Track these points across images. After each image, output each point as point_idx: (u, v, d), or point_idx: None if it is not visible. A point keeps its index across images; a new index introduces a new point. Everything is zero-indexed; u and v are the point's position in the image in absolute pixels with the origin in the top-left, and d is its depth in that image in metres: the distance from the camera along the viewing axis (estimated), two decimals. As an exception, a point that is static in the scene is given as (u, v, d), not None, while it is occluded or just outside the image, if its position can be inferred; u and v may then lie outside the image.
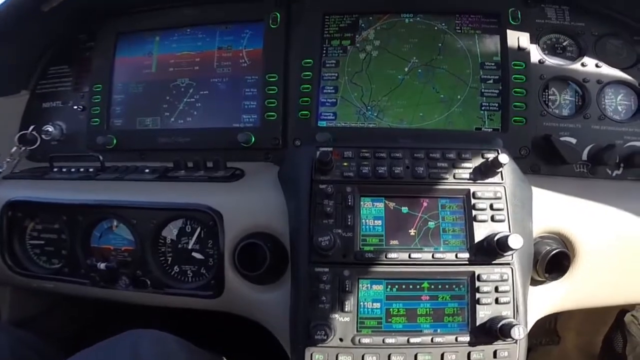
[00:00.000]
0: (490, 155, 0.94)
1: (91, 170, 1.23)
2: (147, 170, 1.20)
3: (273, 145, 1.20)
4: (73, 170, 1.24)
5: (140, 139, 1.30)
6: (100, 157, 1.22)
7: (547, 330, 1.80)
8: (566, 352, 1.80)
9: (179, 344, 0.99)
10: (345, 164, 0.97)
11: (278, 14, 1.25)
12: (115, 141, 1.28)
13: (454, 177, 0.95)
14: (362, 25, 1.22)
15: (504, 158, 0.91)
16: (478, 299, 0.89)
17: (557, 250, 0.95)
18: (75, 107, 1.37)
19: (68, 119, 1.38)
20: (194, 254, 1.10)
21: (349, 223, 0.92)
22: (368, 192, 0.95)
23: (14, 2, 1.18)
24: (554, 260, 0.96)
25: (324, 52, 1.22)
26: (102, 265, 1.10)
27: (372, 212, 0.94)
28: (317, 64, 1.21)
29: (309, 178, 0.96)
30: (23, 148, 1.34)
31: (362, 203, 0.94)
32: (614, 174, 1.12)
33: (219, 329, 1.61)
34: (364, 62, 1.20)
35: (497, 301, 0.89)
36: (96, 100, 1.33)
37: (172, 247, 1.11)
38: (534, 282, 0.99)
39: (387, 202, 0.95)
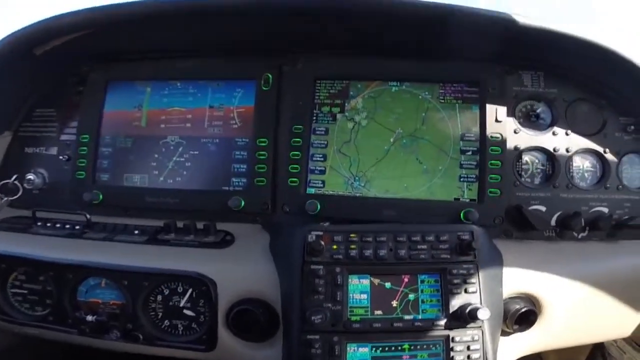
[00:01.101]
0: (466, 238, 1.05)
1: (77, 227, 1.23)
2: (136, 232, 1.21)
3: (262, 210, 1.24)
4: (58, 225, 1.24)
5: (127, 197, 1.30)
6: (88, 216, 1.22)
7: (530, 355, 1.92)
8: None
9: None
10: (334, 247, 1.04)
11: (270, 76, 1.26)
12: (101, 197, 1.28)
13: (432, 257, 1.04)
14: (352, 92, 1.26)
15: (476, 244, 1.02)
16: (452, 357, 0.99)
17: (524, 309, 1.07)
18: (61, 157, 1.36)
19: (51, 168, 1.36)
20: (185, 310, 1.13)
21: (338, 299, 1.01)
22: (355, 271, 1.03)
23: (7, 43, 1.17)
24: (522, 316, 1.07)
25: (314, 118, 1.26)
26: (91, 318, 1.11)
27: (358, 287, 1.03)
28: (307, 130, 1.24)
29: (301, 259, 1.03)
30: (5, 198, 1.32)
31: (349, 280, 1.03)
32: (580, 237, 1.21)
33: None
34: (353, 132, 1.25)
35: (468, 358, 1.00)
36: (82, 152, 1.32)
37: (162, 304, 1.14)
38: (505, 333, 1.10)
39: (372, 278, 1.04)
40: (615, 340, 1.70)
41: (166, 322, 1.14)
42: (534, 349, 1.17)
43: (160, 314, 1.14)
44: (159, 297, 1.14)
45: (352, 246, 1.04)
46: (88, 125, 1.34)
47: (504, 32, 1.10)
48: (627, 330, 1.22)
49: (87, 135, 1.33)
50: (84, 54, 1.35)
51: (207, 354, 1.12)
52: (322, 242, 1.02)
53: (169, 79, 1.34)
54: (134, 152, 1.32)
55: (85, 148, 1.33)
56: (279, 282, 1.07)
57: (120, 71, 1.36)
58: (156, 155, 1.31)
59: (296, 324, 1.01)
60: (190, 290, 1.12)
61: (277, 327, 1.09)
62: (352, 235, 1.05)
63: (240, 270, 1.11)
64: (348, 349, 0.99)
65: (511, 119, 1.23)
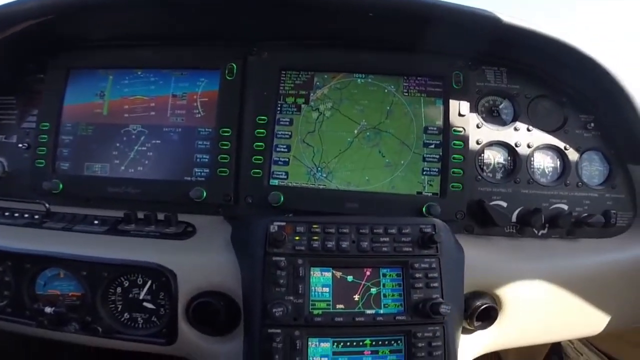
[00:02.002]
0: (428, 231, 1.05)
1: (36, 217, 1.20)
2: (96, 222, 1.19)
3: (224, 201, 1.22)
4: (17, 215, 1.21)
5: (88, 187, 1.28)
6: (47, 205, 1.19)
7: (489, 354, 1.96)
8: None
9: None
10: (297, 238, 1.04)
11: (234, 65, 1.25)
12: (61, 186, 1.25)
13: (395, 250, 1.04)
14: (317, 83, 1.25)
15: (439, 237, 1.03)
16: (414, 352, 1.00)
17: (485, 306, 1.08)
18: (20, 145, 1.32)
19: (10, 156, 1.33)
20: (144, 303, 1.12)
21: (300, 291, 1.00)
22: (317, 263, 1.03)
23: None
24: (483, 312, 1.08)
25: (279, 109, 1.25)
26: (49, 310, 1.09)
27: (320, 281, 1.03)
28: (271, 121, 1.23)
29: (262, 250, 1.03)
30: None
31: (311, 272, 1.03)
32: (539, 234, 1.23)
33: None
34: (317, 122, 1.24)
35: (430, 354, 1.00)
36: (42, 140, 1.29)
37: (122, 296, 1.12)
38: (466, 330, 1.11)
39: (334, 271, 1.04)
40: (571, 342, 1.75)
41: (126, 315, 1.12)
42: (494, 347, 1.19)
43: (120, 306, 1.12)
44: (119, 289, 1.11)
45: (315, 237, 1.04)
46: (49, 113, 1.30)
47: (469, 26, 1.11)
48: (587, 331, 1.24)
49: (47, 123, 1.29)
50: (45, 41, 1.30)
51: (167, 347, 1.11)
52: (284, 233, 1.01)
53: (132, 67, 1.30)
54: (95, 140, 1.29)
55: (45, 136, 1.29)
56: (240, 274, 1.06)
57: (82, 59, 1.33)
58: (118, 144, 1.28)
59: (257, 317, 1.00)
60: (149, 282, 1.10)
61: (238, 320, 1.08)
62: (314, 226, 1.05)
63: (201, 261, 1.09)
64: (309, 343, 0.99)
65: (474, 114, 1.24)
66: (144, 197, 1.24)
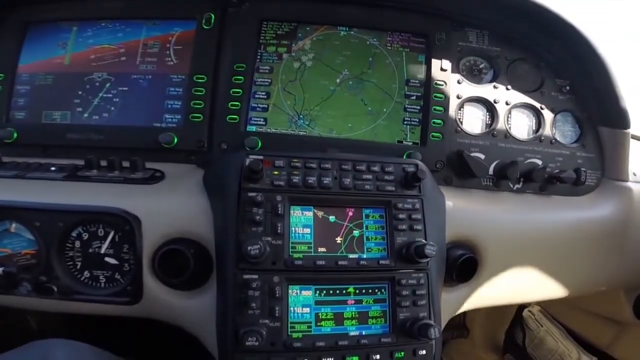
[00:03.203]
0: (411, 170, 1.02)
1: (-15, 166, 1.08)
2: (52, 169, 1.08)
3: (197, 147, 1.14)
4: (-36, 164, 1.08)
5: (45, 134, 1.17)
6: None
7: (458, 325, 2.00)
8: (475, 344, 2.01)
9: (96, 354, 0.91)
10: (275, 172, 0.97)
11: (212, 15, 1.20)
12: (15, 135, 1.14)
13: (377, 189, 1.01)
14: (300, 34, 1.22)
15: (422, 173, 1.00)
16: (398, 302, 0.95)
17: (467, 256, 1.06)
18: None
19: None
20: (107, 258, 1.01)
21: (279, 231, 0.93)
22: (297, 201, 0.97)
23: None
24: (463, 265, 1.06)
25: (259, 57, 1.20)
26: None
27: (301, 221, 0.97)
28: (250, 68, 1.18)
29: (237, 185, 0.95)
30: None
31: (291, 211, 0.96)
32: (515, 188, 1.24)
33: (140, 335, 1.51)
34: (299, 72, 1.20)
35: (414, 304, 0.96)
36: None
37: (81, 251, 1.01)
38: (445, 285, 1.08)
39: (315, 211, 0.98)
40: (532, 313, 1.81)
41: (86, 273, 1.01)
42: (470, 305, 1.16)
43: (79, 263, 1.01)
44: (77, 244, 1.01)
45: (295, 172, 0.98)
46: (3, 64, 1.20)
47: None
48: (557, 292, 1.25)
49: (1, 74, 1.19)
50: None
51: (132, 307, 1.00)
52: (262, 165, 0.94)
53: (98, 19, 1.23)
54: (54, 89, 1.19)
55: None
56: (212, 219, 0.98)
57: (43, 12, 1.24)
58: (80, 92, 1.19)
59: (231, 261, 0.92)
60: (112, 233, 1.01)
61: (210, 271, 0.99)
62: (294, 160, 0.99)
63: (169, 205, 1.01)
64: (290, 291, 0.92)
65: (455, 68, 1.24)
66: (107, 144, 1.14)
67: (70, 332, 0.94)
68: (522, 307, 1.84)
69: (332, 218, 0.98)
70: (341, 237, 0.97)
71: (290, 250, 0.94)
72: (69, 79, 1.20)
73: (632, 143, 1.28)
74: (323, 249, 0.95)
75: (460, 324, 2.02)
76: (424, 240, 0.97)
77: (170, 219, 0.99)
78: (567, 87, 1.29)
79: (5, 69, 1.20)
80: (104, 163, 1.08)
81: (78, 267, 1.01)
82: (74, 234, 1.01)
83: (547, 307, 1.79)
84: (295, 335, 0.90)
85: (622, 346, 1.54)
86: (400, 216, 0.99)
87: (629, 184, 1.27)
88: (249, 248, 0.87)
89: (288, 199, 0.96)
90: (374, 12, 1.23)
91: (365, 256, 0.96)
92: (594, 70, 1.21)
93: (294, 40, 1.22)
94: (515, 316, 1.88)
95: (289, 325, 0.91)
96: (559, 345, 1.67)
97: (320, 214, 0.97)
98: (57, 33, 1.23)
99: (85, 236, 1.01)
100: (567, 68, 1.28)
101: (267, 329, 0.88)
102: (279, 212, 0.94)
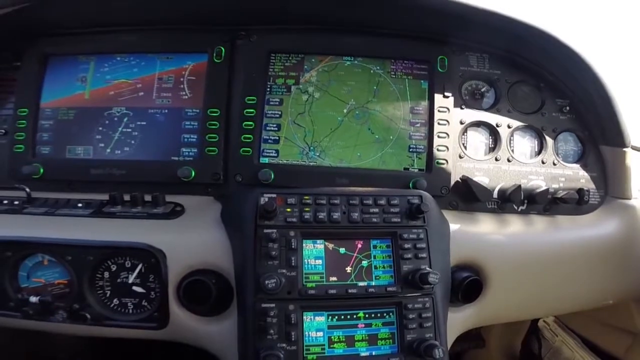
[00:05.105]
0: (415, 202, 1.08)
1: (16, 202, 1.16)
2: (80, 205, 1.16)
3: (214, 180, 1.21)
4: (-4, 201, 1.16)
5: (70, 169, 1.24)
6: (27, 189, 1.15)
7: (474, 336, 2.00)
8: (491, 355, 2.01)
9: None
10: (288, 209, 1.04)
11: (223, 49, 1.24)
12: (42, 170, 1.21)
13: (384, 221, 1.07)
14: (306, 66, 1.26)
15: (425, 206, 1.06)
16: (405, 324, 1.02)
17: (471, 279, 1.11)
18: None
19: None
20: (134, 287, 1.09)
21: (293, 264, 1.01)
22: (310, 235, 1.04)
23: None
24: (468, 286, 1.11)
25: (268, 89, 1.25)
26: (34, 299, 1.05)
27: (313, 253, 1.04)
28: (260, 101, 1.23)
29: (253, 223, 1.02)
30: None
31: (304, 245, 1.03)
32: (519, 210, 1.28)
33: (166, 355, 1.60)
34: (307, 104, 1.25)
35: (421, 326, 1.03)
36: (21, 125, 1.25)
37: (110, 281, 1.09)
38: (453, 305, 1.14)
39: (327, 243, 1.05)
40: (547, 323, 1.82)
41: (115, 301, 1.10)
42: (478, 323, 1.22)
43: (109, 292, 1.09)
44: (106, 274, 1.09)
45: (306, 209, 1.05)
46: (27, 98, 1.26)
47: (453, 12, 1.14)
48: (564, 307, 1.30)
49: (25, 109, 1.26)
50: (22, 28, 1.27)
51: (159, 332, 1.08)
52: (275, 204, 1.02)
53: (116, 53, 1.28)
54: (76, 123, 1.26)
55: (23, 121, 1.25)
56: (231, 251, 1.06)
57: (61, 45, 1.29)
58: (100, 128, 1.25)
59: (250, 292, 1.00)
60: (139, 265, 1.08)
61: (230, 299, 1.07)
62: (305, 197, 1.06)
63: (191, 239, 1.08)
64: (305, 317, 1.00)
65: (457, 93, 1.28)
66: (129, 178, 1.21)
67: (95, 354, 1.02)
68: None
69: (342, 250, 1.05)
70: (351, 266, 1.04)
71: (304, 280, 1.01)
72: (90, 114, 1.26)
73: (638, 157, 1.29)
74: (334, 278, 1.03)
75: (477, 335, 2.03)
76: (428, 268, 1.03)
77: (192, 252, 1.07)
78: (568, 107, 1.31)
79: (28, 103, 1.26)
80: (127, 197, 1.15)
81: (107, 295, 1.10)
82: (102, 266, 1.08)
83: (562, 317, 1.79)
84: (310, 357, 0.98)
85: (637, 356, 1.51)
86: (406, 246, 1.06)
87: (633, 201, 1.28)
88: (266, 282, 0.95)
89: (301, 234, 1.03)
90: (377, 40, 1.27)
91: (373, 283, 1.03)
92: (591, 89, 1.23)
93: (301, 72, 1.26)
94: (530, 326, 1.89)
95: (304, 348, 0.98)
96: (574, 354, 1.67)
97: (330, 246, 1.05)
98: (77, 65, 1.29)
99: (114, 267, 1.09)
100: (567, 88, 1.30)
101: (284, 352, 0.96)
102: (293, 246, 1.02)
